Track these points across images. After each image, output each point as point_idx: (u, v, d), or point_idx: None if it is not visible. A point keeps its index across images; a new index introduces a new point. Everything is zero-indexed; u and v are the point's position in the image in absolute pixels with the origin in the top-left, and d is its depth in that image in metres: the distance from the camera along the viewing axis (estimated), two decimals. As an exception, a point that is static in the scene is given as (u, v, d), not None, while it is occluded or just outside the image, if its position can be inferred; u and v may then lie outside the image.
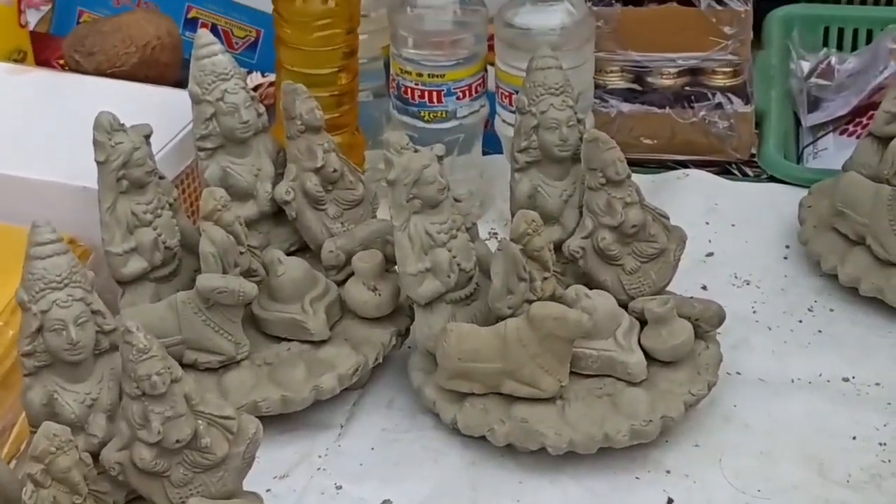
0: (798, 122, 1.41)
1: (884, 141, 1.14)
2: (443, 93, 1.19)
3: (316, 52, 1.17)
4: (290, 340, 1.05)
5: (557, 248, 1.04)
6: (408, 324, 1.07)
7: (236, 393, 1.01)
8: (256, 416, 0.90)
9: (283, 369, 1.03)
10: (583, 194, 1.05)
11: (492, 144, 1.28)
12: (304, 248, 1.11)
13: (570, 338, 0.97)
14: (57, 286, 0.87)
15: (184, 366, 0.91)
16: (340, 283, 1.07)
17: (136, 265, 1.03)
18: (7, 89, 1.21)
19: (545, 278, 1.00)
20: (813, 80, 1.44)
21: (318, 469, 1.01)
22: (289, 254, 1.07)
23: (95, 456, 0.87)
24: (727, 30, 1.29)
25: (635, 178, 1.04)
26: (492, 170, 1.29)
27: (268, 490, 0.95)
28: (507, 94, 1.19)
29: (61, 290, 0.87)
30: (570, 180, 1.06)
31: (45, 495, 0.81)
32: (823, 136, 1.39)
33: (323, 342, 1.04)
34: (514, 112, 1.11)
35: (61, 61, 1.32)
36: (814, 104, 1.41)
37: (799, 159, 1.36)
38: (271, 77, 1.29)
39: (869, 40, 1.47)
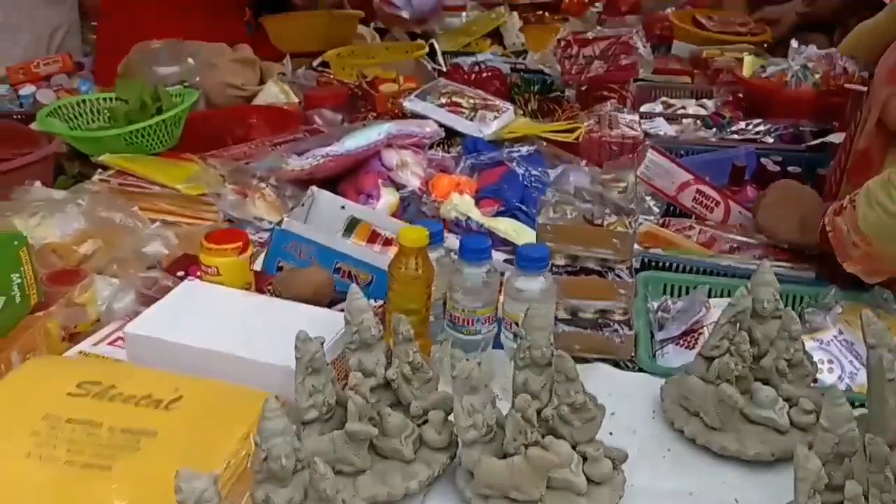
0: (653, 336, 1.39)
1: (708, 359, 1.12)
2: (474, 320, 1.18)
3: (409, 297, 1.16)
4: (392, 459, 1.00)
5: (538, 414, 1.00)
6: (456, 451, 1.03)
7: (363, 490, 0.96)
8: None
9: (389, 476, 0.98)
10: (553, 384, 1.01)
11: (496, 345, 1.24)
12: (399, 404, 1.06)
13: (548, 469, 0.94)
14: (275, 435, 0.83)
15: (335, 472, 0.87)
16: (420, 426, 1.03)
17: (312, 414, 0.98)
18: (242, 305, 1.18)
19: (532, 431, 0.97)
20: (659, 313, 1.43)
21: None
22: (392, 407, 1.04)
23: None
24: (621, 291, 1.29)
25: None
26: (496, 358, 1.23)
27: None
28: (510, 323, 1.17)
29: (278, 437, 0.83)
30: (546, 375, 1.03)
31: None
32: (666, 345, 1.37)
33: (411, 461, 1.00)
34: (514, 335, 1.09)
35: (270, 288, 1.29)
36: (660, 327, 1.40)
37: (653, 357, 1.34)
38: (380, 302, 1.27)
39: (688, 292, 1.46)
